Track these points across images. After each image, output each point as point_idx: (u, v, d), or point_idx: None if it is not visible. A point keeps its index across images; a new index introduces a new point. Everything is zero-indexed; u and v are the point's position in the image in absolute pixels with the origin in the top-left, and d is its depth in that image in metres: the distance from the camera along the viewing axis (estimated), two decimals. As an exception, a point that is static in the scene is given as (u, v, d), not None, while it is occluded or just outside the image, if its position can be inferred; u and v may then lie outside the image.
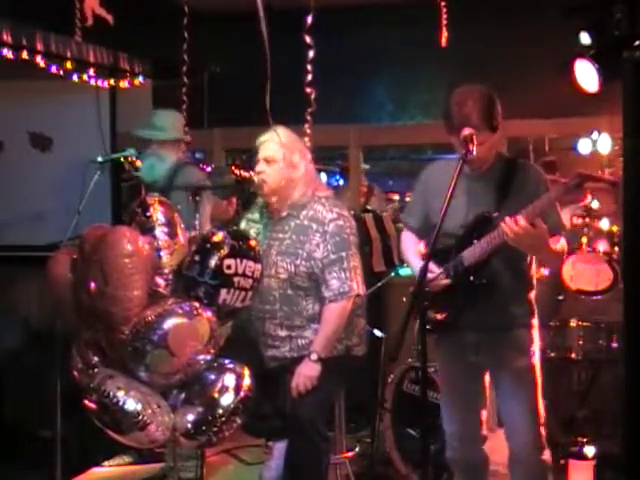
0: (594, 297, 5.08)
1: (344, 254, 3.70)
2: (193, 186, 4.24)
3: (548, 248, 3.23)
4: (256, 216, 3.96)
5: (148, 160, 4.70)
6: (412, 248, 3.55)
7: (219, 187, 4.62)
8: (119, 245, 3.20)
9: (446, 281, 3.32)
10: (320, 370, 3.65)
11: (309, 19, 3.39)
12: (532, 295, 3.43)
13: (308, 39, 3.39)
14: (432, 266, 3.29)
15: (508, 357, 3.36)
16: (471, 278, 3.29)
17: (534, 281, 3.46)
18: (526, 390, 3.38)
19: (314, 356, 3.64)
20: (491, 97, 3.25)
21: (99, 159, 4.41)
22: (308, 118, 3.39)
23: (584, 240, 5.08)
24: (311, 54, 3.40)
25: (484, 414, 3.53)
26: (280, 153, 3.77)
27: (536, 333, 3.42)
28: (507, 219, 3.10)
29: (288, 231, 3.77)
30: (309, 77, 3.39)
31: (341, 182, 8.12)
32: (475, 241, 3.28)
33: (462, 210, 3.33)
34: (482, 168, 3.33)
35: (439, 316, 3.40)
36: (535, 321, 3.43)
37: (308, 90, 3.33)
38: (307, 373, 3.63)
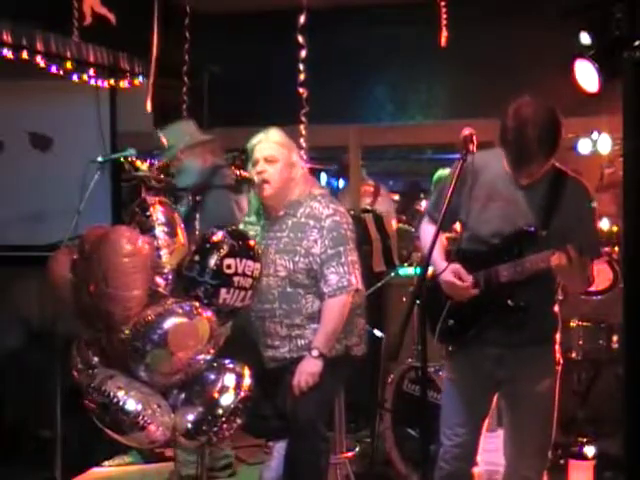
0: (594, 297, 5.09)
1: (342, 249, 3.70)
2: (197, 185, 4.28)
3: (585, 277, 3.15)
4: (253, 218, 3.96)
5: (176, 169, 4.76)
6: (437, 250, 3.24)
7: (219, 187, 4.61)
8: (118, 245, 3.20)
9: (475, 291, 3.18)
10: (322, 366, 3.64)
11: (302, 18, 3.38)
12: (556, 308, 3.31)
13: (301, 39, 3.38)
14: (461, 271, 3.19)
15: (530, 374, 3.22)
16: (509, 302, 3.15)
17: (559, 295, 3.34)
18: (543, 412, 3.26)
19: (315, 352, 3.64)
20: (555, 121, 3.03)
21: (99, 159, 4.41)
22: (303, 119, 3.39)
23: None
24: (303, 54, 3.39)
25: (482, 435, 3.40)
26: (280, 152, 3.77)
27: (557, 349, 3.30)
28: (558, 253, 2.99)
29: (285, 229, 3.77)
30: (302, 77, 3.38)
31: (341, 182, 8.13)
32: (516, 258, 3.12)
33: (499, 217, 3.19)
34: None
35: (460, 329, 3.28)
36: (558, 336, 3.32)
37: (301, 90, 3.33)
38: (309, 369, 3.63)
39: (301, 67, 3.35)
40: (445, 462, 3.36)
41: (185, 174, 4.66)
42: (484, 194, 3.22)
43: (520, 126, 3.00)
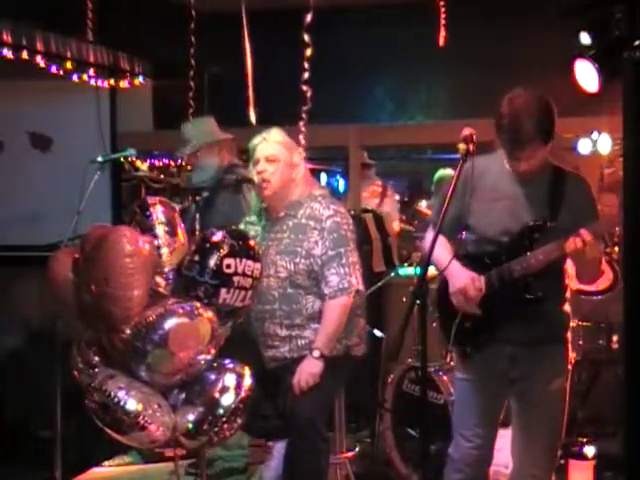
0: (594, 297, 5.08)
1: (342, 250, 3.69)
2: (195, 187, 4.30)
3: (597, 265, 3.16)
4: (254, 219, 3.96)
5: (195, 168, 4.78)
6: (442, 247, 3.28)
7: (219, 187, 4.63)
8: (119, 245, 3.20)
9: (477, 310, 3.19)
10: (322, 367, 3.64)
11: (308, 17, 3.37)
12: (567, 307, 3.32)
13: (306, 37, 3.37)
14: (473, 273, 3.20)
15: (543, 373, 3.24)
16: (527, 295, 3.15)
17: (569, 292, 3.35)
18: (554, 411, 3.27)
19: (316, 353, 3.64)
20: (548, 107, 3.10)
21: (99, 159, 4.41)
22: (304, 116, 3.38)
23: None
24: (309, 52, 3.39)
25: (497, 435, 3.41)
26: (281, 152, 3.77)
27: (570, 348, 3.32)
28: (572, 238, 2.99)
29: (286, 230, 3.77)
30: (306, 75, 3.37)
31: (342, 183, 8.12)
32: (527, 252, 3.14)
33: (505, 215, 3.21)
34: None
35: (477, 330, 3.26)
36: (569, 335, 3.33)
37: (305, 88, 3.32)
38: (309, 370, 3.63)
39: (306, 65, 3.35)
40: (467, 465, 3.36)
41: (201, 171, 4.67)
42: (488, 196, 3.24)
43: (514, 110, 3.06)
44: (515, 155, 3.12)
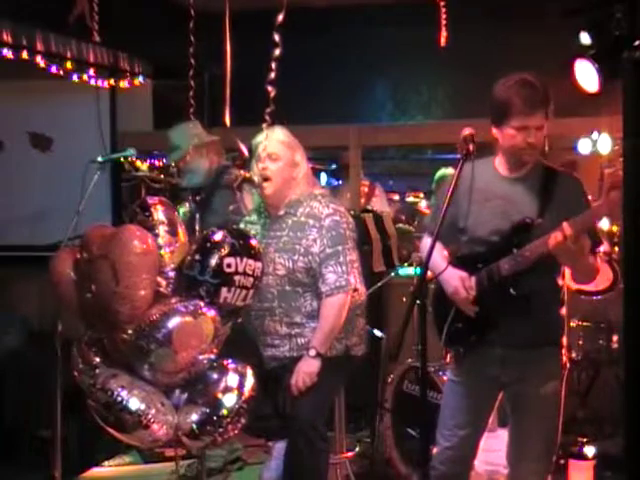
0: (594, 297, 5.08)
1: (340, 248, 3.70)
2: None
3: (587, 263, 3.14)
4: (254, 217, 3.97)
5: (185, 171, 4.80)
6: (437, 253, 3.26)
7: (218, 187, 4.64)
8: (130, 243, 3.21)
9: (474, 308, 3.19)
10: (319, 366, 3.64)
11: (280, 17, 3.35)
12: (563, 311, 3.30)
13: (277, 37, 3.35)
14: (462, 274, 3.21)
15: (536, 376, 3.21)
16: (511, 291, 3.14)
17: (565, 296, 3.33)
18: (548, 415, 3.24)
19: (312, 352, 3.64)
20: (542, 80, 3.16)
21: (99, 159, 4.41)
22: (267, 118, 3.37)
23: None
24: (277, 52, 3.38)
25: (482, 439, 3.39)
26: (283, 151, 3.78)
27: (563, 353, 3.29)
28: (554, 234, 2.98)
29: (285, 229, 3.77)
30: (272, 75, 3.36)
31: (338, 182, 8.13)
32: (515, 250, 3.13)
33: (496, 215, 3.21)
34: (521, 171, 3.21)
35: (468, 331, 3.26)
36: (564, 339, 3.30)
37: (269, 88, 3.30)
38: (306, 369, 3.63)
39: (273, 66, 3.34)
40: (440, 463, 3.34)
41: (192, 174, 4.71)
42: (479, 197, 3.23)
43: (517, 83, 3.12)
44: (525, 122, 3.10)
